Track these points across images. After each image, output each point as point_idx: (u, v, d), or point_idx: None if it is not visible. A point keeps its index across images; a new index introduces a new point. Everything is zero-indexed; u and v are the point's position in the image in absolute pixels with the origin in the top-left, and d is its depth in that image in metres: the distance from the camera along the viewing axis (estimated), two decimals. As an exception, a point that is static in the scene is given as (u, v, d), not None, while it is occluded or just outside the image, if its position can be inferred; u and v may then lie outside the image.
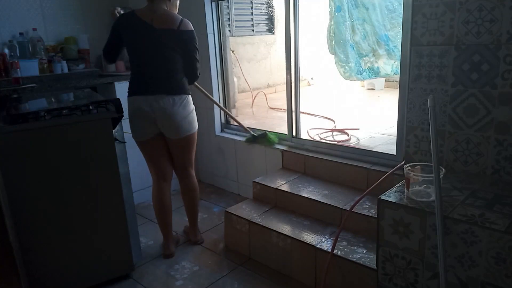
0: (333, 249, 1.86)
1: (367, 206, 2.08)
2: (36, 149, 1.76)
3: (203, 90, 2.62)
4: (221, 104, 3.19)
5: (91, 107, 1.86)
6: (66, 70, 2.98)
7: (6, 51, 2.74)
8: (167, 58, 2.08)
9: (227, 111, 3.14)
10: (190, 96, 2.19)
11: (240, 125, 3.01)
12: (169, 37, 2.06)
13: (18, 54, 2.79)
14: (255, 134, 2.92)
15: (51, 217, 1.85)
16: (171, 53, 2.08)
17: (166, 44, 2.06)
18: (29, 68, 2.77)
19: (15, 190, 1.74)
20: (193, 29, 2.12)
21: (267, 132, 2.88)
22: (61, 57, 3.02)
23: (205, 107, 3.18)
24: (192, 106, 2.20)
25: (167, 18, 2.07)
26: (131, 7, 3.44)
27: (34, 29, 2.91)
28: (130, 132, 2.18)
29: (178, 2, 2.21)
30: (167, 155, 2.28)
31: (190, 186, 2.36)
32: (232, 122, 3.29)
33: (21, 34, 2.84)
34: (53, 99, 2.32)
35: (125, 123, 2.07)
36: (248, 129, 2.99)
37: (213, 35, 3.09)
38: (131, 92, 2.13)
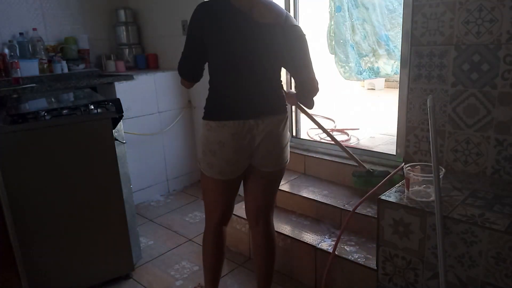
0: (334, 249, 1.86)
1: (367, 206, 2.08)
2: (36, 149, 1.76)
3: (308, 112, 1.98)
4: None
5: (91, 107, 1.86)
6: (66, 70, 2.98)
7: (6, 51, 2.74)
8: (273, 66, 1.54)
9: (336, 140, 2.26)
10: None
11: (352, 157, 2.20)
12: (276, 36, 1.47)
13: (18, 54, 2.79)
14: (370, 170, 2.15)
15: (51, 217, 1.84)
16: (277, 58, 1.53)
17: (271, 46, 1.49)
18: (29, 68, 2.77)
19: (15, 190, 1.74)
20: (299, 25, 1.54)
21: (389, 171, 2.08)
22: (61, 57, 3.02)
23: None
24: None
25: (271, 8, 1.48)
26: (131, 7, 3.44)
27: (34, 29, 2.91)
28: (202, 165, 1.59)
29: None
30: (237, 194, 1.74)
31: (270, 240, 1.74)
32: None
33: (21, 34, 2.84)
34: (53, 99, 2.32)
35: (125, 123, 2.05)
36: (360, 162, 2.18)
37: (213, 35, 3.08)
38: (217, 115, 1.50)
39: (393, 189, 1.64)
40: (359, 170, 2.19)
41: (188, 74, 1.59)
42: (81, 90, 2.63)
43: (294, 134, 2.74)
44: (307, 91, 1.60)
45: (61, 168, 1.83)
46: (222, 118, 1.48)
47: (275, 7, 1.49)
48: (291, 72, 1.62)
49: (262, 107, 1.51)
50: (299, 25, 1.52)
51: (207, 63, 1.54)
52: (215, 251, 1.74)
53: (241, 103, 1.49)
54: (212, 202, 1.68)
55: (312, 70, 1.56)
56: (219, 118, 1.48)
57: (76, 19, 3.23)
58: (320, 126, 2.14)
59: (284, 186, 2.43)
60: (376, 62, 3.51)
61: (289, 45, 1.50)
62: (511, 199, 1.48)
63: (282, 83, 1.63)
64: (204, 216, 1.76)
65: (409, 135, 1.92)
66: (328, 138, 3.16)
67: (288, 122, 1.62)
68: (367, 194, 1.87)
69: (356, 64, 3.45)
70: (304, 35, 1.53)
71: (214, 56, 1.48)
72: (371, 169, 2.15)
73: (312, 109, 1.72)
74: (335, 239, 1.92)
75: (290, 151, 2.50)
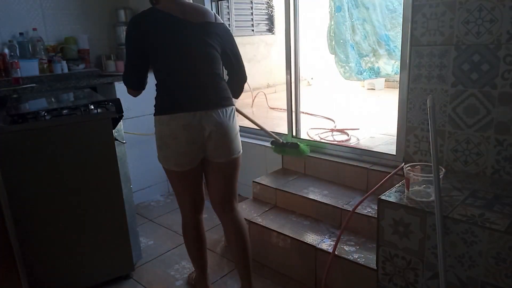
0: (334, 249, 1.86)
1: (367, 206, 2.08)
2: (36, 149, 1.76)
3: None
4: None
5: (91, 107, 1.86)
6: (66, 70, 2.98)
7: (6, 51, 2.74)
8: (213, 61, 1.65)
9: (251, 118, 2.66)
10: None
11: (263, 129, 2.68)
12: (209, 33, 1.63)
13: (18, 54, 2.79)
14: (284, 141, 2.67)
15: (51, 217, 1.85)
16: (215, 54, 1.65)
17: (208, 43, 1.62)
18: (29, 68, 2.77)
19: (15, 190, 1.74)
20: None
21: (298, 143, 2.60)
22: (61, 57, 3.02)
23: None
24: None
25: (201, 10, 1.65)
26: (131, 7, 3.44)
27: (34, 29, 2.91)
28: (160, 158, 1.70)
29: None
30: (202, 183, 1.84)
31: (238, 225, 1.81)
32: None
33: (21, 34, 2.84)
34: (53, 99, 2.32)
35: (125, 123, 2.05)
36: (272, 133, 2.69)
37: (213, 35, 3.08)
38: (168, 109, 1.60)
39: (393, 189, 1.64)
40: (276, 142, 2.69)
41: (136, 83, 1.68)
42: (81, 90, 2.63)
43: (294, 134, 2.74)
44: (240, 79, 1.81)
45: (61, 168, 1.83)
46: (173, 111, 1.59)
47: (203, 8, 1.67)
48: (227, 63, 1.75)
49: (210, 99, 1.63)
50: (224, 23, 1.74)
51: (151, 70, 1.65)
52: (194, 240, 1.87)
53: (190, 97, 1.61)
54: (179, 193, 1.80)
55: (242, 60, 1.78)
56: (171, 112, 1.59)
57: (76, 19, 3.23)
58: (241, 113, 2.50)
59: (284, 186, 2.43)
60: (377, 62, 3.51)
61: (223, 39, 1.68)
62: (511, 199, 1.48)
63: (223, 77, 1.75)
64: (203, 215, 1.79)
65: (409, 135, 1.92)
66: (328, 138, 3.17)
67: (234, 113, 1.72)
68: (367, 194, 1.87)
69: (356, 64, 3.45)
70: (230, 30, 1.75)
71: (159, 60, 1.59)
72: (284, 141, 2.68)
73: (238, 99, 1.91)
74: (335, 239, 1.92)
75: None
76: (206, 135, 1.62)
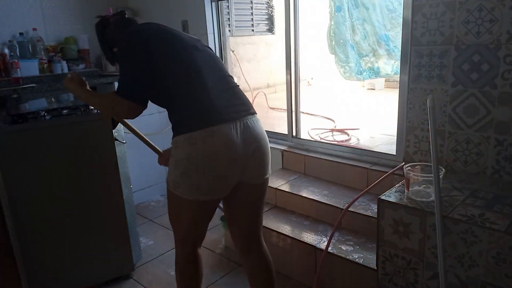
0: (327, 246, 1.86)
1: (367, 206, 2.08)
2: (36, 149, 1.76)
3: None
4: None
5: (91, 107, 1.86)
6: (66, 70, 2.98)
7: (6, 51, 2.74)
8: (225, 70, 1.48)
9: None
10: None
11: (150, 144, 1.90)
12: (204, 45, 1.50)
13: (18, 54, 2.79)
14: None
15: (51, 217, 1.85)
16: (222, 63, 1.51)
17: (212, 53, 1.50)
18: (29, 68, 2.76)
19: (15, 190, 1.74)
20: None
21: None
22: (61, 57, 3.01)
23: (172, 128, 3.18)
24: None
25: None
26: (131, 7, 3.45)
27: (34, 29, 2.91)
28: (181, 189, 1.36)
29: None
30: None
31: (268, 265, 1.57)
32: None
33: (21, 34, 2.84)
34: (53, 99, 2.32)
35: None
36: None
37: (213, 35, 3.08)
38: (201, 122, 1.29)
39: (393, 189, 1.64)
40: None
41: (141, 98, 1.37)
42: (81, 90, 2.63)
43: (294, 134, 2.74)
44: None
45: (61, 168, 1.83)
46: (208, 123, 1.28)
47: None
48: None
49: (241, 106, 1.39)
50: None
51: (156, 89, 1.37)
52: (192, 278, 1.54)
53: (220, 105, 1.32)
54: (190, 226, 1.46)
55: None
56: (205, 125, 1.28)
57: (76, 19, 3.23)
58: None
59: (284, 186, 2.43)
60: (376, 62, 3.51)
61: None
62: (511, 199, 1.48)
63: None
64: None
65: (409, 135, 1.92)
66: (328, 138, 3.17)
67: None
68: (361, 193, 1.87)
69: (356, 64, 3.45)
70: None
71: (171, 73, 1.33)
72: None
73: None
74: (334, 239, 1.92)
75: (290, 151, 2.51)
76: (250, 151, 1.34)
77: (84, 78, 1.60)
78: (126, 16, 1.55)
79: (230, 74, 1.50)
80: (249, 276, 1.59)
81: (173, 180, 1.37)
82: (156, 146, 1.85)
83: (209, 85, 1.34)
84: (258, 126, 1.39)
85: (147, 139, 1.84)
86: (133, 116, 1.42)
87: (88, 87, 1.57)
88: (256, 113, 1.42)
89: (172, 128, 1.37)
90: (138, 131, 1.80)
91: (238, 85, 1.49)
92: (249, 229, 1.53)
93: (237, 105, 1.37)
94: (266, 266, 1.56)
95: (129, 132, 1.82)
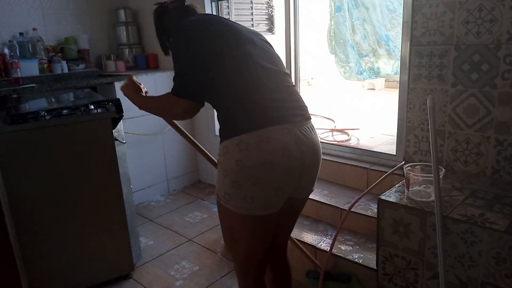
0: (331, 248, 1.86)
1: (367, 206, 2.08)
2: (36, 149, 1.76)
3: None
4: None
5: (91, 107, 1.86)
6: (66, 70, 2.98)
7: (6, 51, 2.74)
8: (282, 67, 1.31)
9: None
10: None
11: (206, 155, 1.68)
12: (266, 41, 1.36)
13: (18, 54, 2.79)
14: (328, 271, 1.83)
15: (51, 217, 1.85)
16: (280, 60, 1.34)
17: (271, 49, 1.35)
18: (29, 68, 2.77)
19: (15, 190, 1.74)
20: None
21: (351, 275, 1.79)
22: (61, 57, 3.02)
23: (204, 107, 3.17)
24: None
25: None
26: (131, 7, 3.44)
27: (34, 29, 2.91)
28: (233, 201, 1.17)
29: None
30: None
31: (288, 267, 1.55)
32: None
33: (21, 34, 2.84)
34: (53, 99, 2.32)
35: (125, 123, 2.04)
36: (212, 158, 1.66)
37: (213, 35, 3.08)
38: (255, 123, 1.13)
39: (393, 189, 1.64)
40: (314, 272, 1.88)
41: (199, 95, 1.26)
42: (81, 90, 2.63)
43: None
44: None
45: (61, 168, 1.83)
46: (264, 124, 1.12)
47: None
48: None
49: (298, 109, 1.22)
50: None
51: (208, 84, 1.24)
52: None
53: (275, 106, 1.16)
54: (251, 246, 1.27)
55: None
56: (260, 126, 1.11)
57: (76, 19, 3.23)
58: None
59: (284, 186, 2.43)
60: (376, 62, 3.51)
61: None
62: (511, 199, 1.48)
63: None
64: (204, 215, 1.52)
65: (409, 135, 1.92)
66: (328, 138, 3.17)
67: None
68: (363, 193, 1.87)
69: (356, 64, 3.45)
70: None
71: (220, 67, 1.20)
72: (330, 271, 1.84)
73: None
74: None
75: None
76: (306, 165, 1.20)
77: (140, 83, 1.48)
78: (186, 4, 1.44)
79: (287, 71, 1.37)
80: (273, 283, 1.52)
81: (224, 191, 1.18)
82: (211, 157, 1.64)
83: (264, 83, 1.19)
84: (315, 135, 1.24)
85: (203, 149, 1.64)
86: (191, 115, 1.32)
87: (143, 92, 1.47)
88: (311, 118, 1.27)
89: (219, 131, 1.23)
90: (194, 140, 1.64)
91: (295, 85, 1.34)
92: (280, 241, 1.45)
93: (294, 108, 1.21)
94: (289, 277, 1.52)
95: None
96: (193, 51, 1.22)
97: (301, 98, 1.29)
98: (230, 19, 5.99)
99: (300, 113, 1.22)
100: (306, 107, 1.28)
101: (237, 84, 1.18)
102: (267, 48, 1.32)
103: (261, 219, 1.19)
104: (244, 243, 1.26)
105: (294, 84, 1.36)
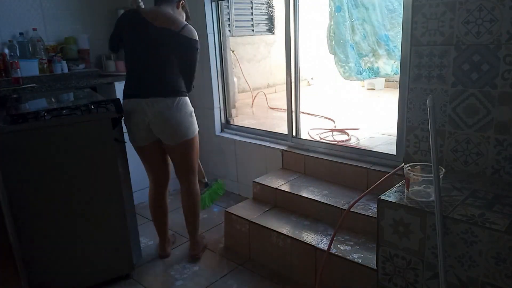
0: (329, 247, 1.86)
1: (367, 206, 2.08)
2: (36, 149, 1.76)
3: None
4: (221, 104, 3.19)
5: (91, 107, 1.86)
6: (66, 70, 2.98)
7: (6, 51, 2.74)
8: (162, 58, 1.97)
9: None
10: (187, 98, 2.05)
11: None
12: (168, 37, 1.96)
13: (18, 54, 2.79)
14: (206, 182, 2.70)
15: (51, 217, 1.85)
16: (167, 53, 1.98)
17: (163, 43, 1.96)
18: (29, 68, 2.76)
19: (15, 190, 1.74)
20: (197, 39, 2.03)
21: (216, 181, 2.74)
22: (61, 57, 3.01)
23: (204, 107, 3.18)
24: (190, 109, 2.06)
25: (170, 20, 1.98)
26: (131, 7, 3.44)
27: (34, 29, 2.91)
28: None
29: (184, 15, 2.15)
30: (166, 160, 2.21)
31: (189, 193, 2.22)
32: (232, 122, 3.28)
33: (21, 34, 2.84)
34: (53, 99, 2.32)
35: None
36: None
37: (213, 35, 3.09)
38: (125, 95, 2.03)
39: (393, 189, 1.64)
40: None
41: (111, 46, 2.19)
42: (81, 90, 2.63)
43: (294, 134, 2.74)
44: (187, 79, 2.08)
45: (61, 168, 1.83)
46: (126, 97, 2.02)
47: (175, 18, 2.00)
48: (180, 66, 2.02)
49: (154, 90, 1.97)
50: (195, 39, 2.01)
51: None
52: (155, 210, 2.27)
53: (137, 86, 2.00)
54: (144, 166, 2.21)
55: (193, 75, 2.09)
56: (125, 97, 2.03)
57: (76, 19, 3.23)
58: None
59: (284, 186, 2.43)
60: (376, 62, 3.51)
61: (180, 48, 1.99)
62: (511, 199, 1.48)
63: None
64: (204, 215, 1.74)
65: (409, 135, 1.92)
66: (328, 138, 3.17)
67: (184, 102, 2.01)
68: (364, 193, 1.87)
69: (356, 64, 3.45)
70: (197, 48, 2.02)
71: (125, 51, 2.06)
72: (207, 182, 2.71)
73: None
74: (335, 239, 1.92)
75: (290, 151, 2.54)
76: (147, 121, 2.01)
77: None
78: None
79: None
80: (181, 200, 2.27)
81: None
82: None
83: (139, 68, 2.01)
84: (161, 106, 1.96)
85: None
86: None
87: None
88: (168, 97, 1.97)
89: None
90: None
91: (170, 74, 2.00)
92: (178, 170, 2.20)
93: (152, 88, 1.98)
94: (188, 196, 2.23)
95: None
96: (115, 31, 2.13)
97: (164, 83, 1.99)
98: (230, 19, 5.93)
99: (157, 91, 1.97)
100: (170, 89, 1.99)
101: (128, 70, 2.07)
102: (158, 44, 1.97)
103: (138, 149, 2.13)
104: (143, 164, 2.26)
105: (171, 73, 2.00)
